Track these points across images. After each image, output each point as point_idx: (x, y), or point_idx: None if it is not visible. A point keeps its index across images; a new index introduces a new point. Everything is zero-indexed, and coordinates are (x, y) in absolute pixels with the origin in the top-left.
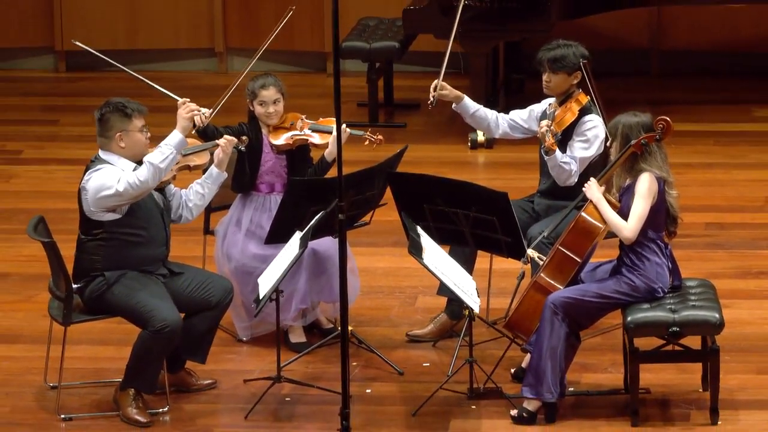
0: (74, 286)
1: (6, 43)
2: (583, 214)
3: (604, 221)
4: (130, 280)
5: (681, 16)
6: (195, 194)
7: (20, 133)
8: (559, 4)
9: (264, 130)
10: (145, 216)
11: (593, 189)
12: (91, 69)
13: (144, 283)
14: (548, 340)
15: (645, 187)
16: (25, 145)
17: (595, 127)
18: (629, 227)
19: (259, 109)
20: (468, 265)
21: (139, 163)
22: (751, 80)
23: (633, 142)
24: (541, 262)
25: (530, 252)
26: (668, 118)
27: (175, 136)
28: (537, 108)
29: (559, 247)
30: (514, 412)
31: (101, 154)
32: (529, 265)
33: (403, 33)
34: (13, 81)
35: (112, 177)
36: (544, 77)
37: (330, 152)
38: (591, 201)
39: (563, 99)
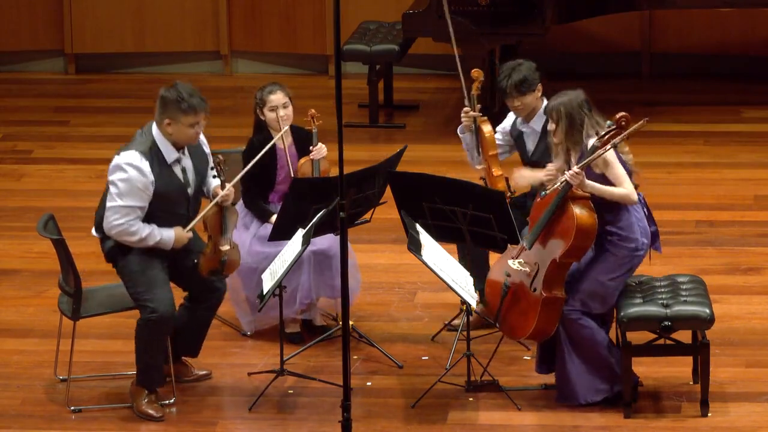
0: (94, 233)
1: (18, 46)
2: (578, 215)
3: (593, 215)
4: (141, 255)
5: (672, 20)
6: None
7: (31, 134)
8: (553, 8)
9: (277, 141)
10: (167, 206)
11: (583, 178)
12: (100, 71)
13: (150, 265)
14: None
15: (610, 156)
16: (36, 145)
17: None
18: (630, 190)
19: (270, 116)
20: (483, 269)
21: (180, 149)
22: (740, 82)
23: (597, 143)
24: (527, 268)
25: (512, 264)
26: (626, 114)
27: (168, 242)
28: (506, 123)
29: (557, 260)
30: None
31: (154, 128)
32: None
33: (403, 36)
34: (25, 83)
35: (122, 194)
36: (515, 103)
37: None
38: (576, 191)
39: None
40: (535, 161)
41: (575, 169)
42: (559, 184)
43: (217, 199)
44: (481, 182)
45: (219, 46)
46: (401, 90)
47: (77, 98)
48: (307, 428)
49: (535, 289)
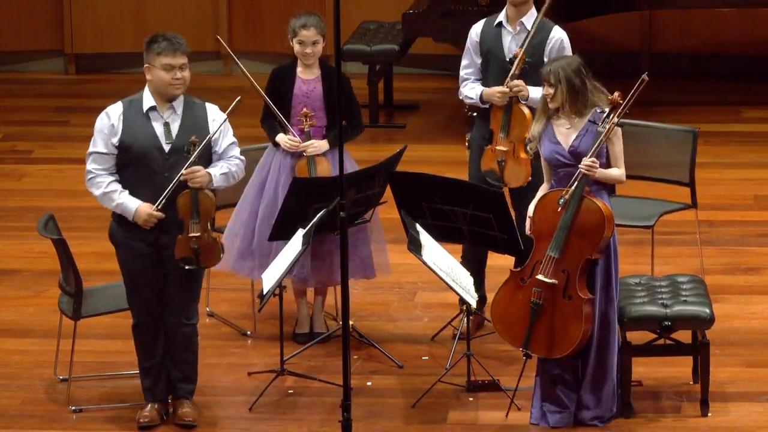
0: None
1: (18, 46)
2: (602, 206)
3: (605, 205)
4: (128, 251)
5: (672, 20)
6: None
7: (31, 134)
8: (553, 8)
9: (299, 68)
10: (139, 160)
11: (598, 166)
12: (100, 71)
13: (135, 264)
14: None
15: (620, 133)
16: (36, 145)
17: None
18: (624, 172)
19: (297, 48)
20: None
21: (169, 100)
22: (740, 82)
23: (601, 128)
24: (555, 280)
25: (543, 279)
26: (619, 92)
27: (128, 210)
28: (472, 40)
29: (591, 257)
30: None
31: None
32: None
33: (403, 36)
34: (25, 83)
35: (94, 140)
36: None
37: None
38: (585, 183)
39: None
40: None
41: (590, 159)
42: (572, 181)
43: (179, 177)
44: (495, 167)
45: (219, 46)
46: (401, 90)
47: (77, 98)
48: (307, 428)
49: (570, 297)
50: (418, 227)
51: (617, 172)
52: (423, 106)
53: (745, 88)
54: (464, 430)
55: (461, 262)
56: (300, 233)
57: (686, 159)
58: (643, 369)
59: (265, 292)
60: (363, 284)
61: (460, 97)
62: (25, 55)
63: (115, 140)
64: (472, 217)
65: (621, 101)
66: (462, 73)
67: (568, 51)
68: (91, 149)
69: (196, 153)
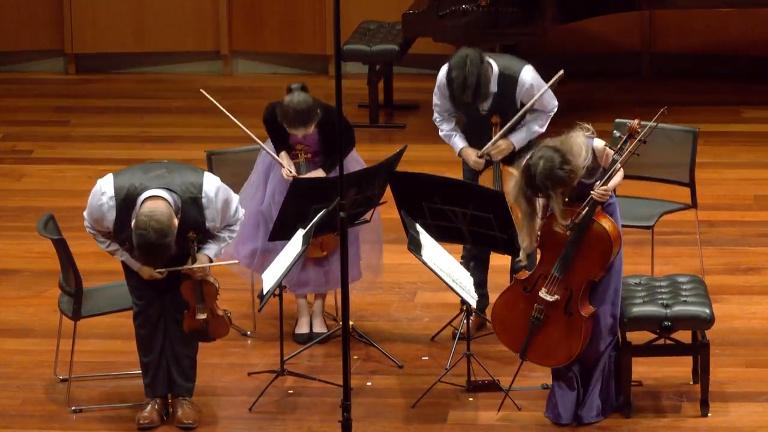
0: None
1: (18, 46)
2: (608, 229)
3: (612, 220)
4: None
5: (672, 20)
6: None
7: (31, 134)
8: (553, 8)
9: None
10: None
11: (609, 194)
12: (101, 71)
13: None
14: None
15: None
16: (36, 145)
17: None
18: (623, 172)
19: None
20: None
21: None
22: (740, 82)
23: (617, 156)
24: (558, 296)
25: (546, 296)
26: (637, 120)
27: (133, 266)
28: (441, 95)
29: (596, 278)
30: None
31: (147, 195)
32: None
33: (403, 36)
34: (25, 83)
35: (89, 209)
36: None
37: None
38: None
39: None
40: (486, 116)
41: (602, 188)
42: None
43: (178, 269)
44: None
45: (219, 46)
46: (401, 90)
47: (77, 98)
48: (307, 428)
49: (571, 314)
50: (418, 227)
51: (618, 177)
52: (423, 106)
53: (745, 88)
54: (464, 430)
55: (462, 262)
56: (300, 233)
57: (686, 159)
58: (643, 369)
59: (265, 292)
60: (363, 284)
61: (436, 123)
62: (25, 55)
63: (109, 229)
64: (472, 217)
65: (639, 129)
66: (435, 109)
67: (538, 88)
68: (86, 217)
69: (195, 252)
